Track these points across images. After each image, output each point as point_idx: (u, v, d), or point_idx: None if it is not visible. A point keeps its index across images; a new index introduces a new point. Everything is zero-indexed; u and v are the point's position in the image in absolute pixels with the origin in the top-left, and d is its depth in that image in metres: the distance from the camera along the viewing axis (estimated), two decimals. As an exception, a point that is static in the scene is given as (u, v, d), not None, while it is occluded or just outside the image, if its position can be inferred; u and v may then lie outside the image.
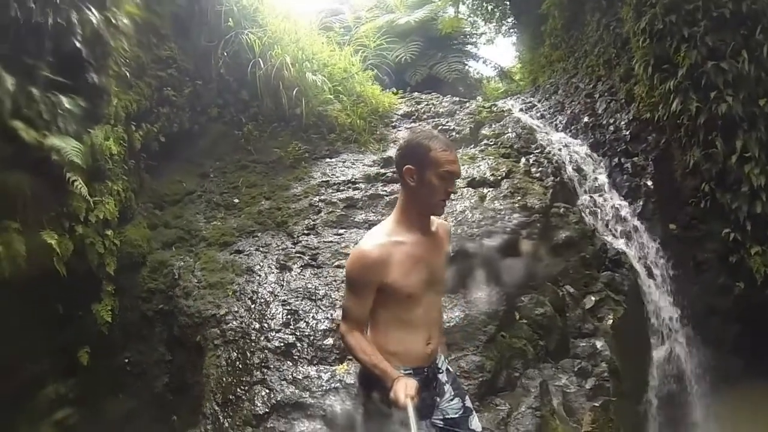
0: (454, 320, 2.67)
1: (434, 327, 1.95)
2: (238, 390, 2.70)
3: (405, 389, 1.62)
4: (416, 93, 5.72)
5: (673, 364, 4.16)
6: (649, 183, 4.55)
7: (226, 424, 2.57)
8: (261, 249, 3.73)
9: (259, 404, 2.56)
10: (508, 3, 8.62)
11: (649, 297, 4.03)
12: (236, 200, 4.31)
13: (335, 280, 3.17)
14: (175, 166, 4.45)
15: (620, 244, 4.12)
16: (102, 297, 3.42)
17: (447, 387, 1.96)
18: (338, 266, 3.30)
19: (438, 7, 8.35)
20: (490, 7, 8.86)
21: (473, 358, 2.49)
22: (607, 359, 2.96)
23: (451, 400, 1.94)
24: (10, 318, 2.86)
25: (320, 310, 2.99)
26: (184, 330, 3.38)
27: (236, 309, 3.20)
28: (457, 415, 1.93)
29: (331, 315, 2.95)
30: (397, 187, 4.02)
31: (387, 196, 3.85)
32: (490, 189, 3.89)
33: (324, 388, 2.57)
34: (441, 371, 1.96)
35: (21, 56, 2.67)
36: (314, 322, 2.92)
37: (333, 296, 3.08)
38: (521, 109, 5.60)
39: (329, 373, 2.64)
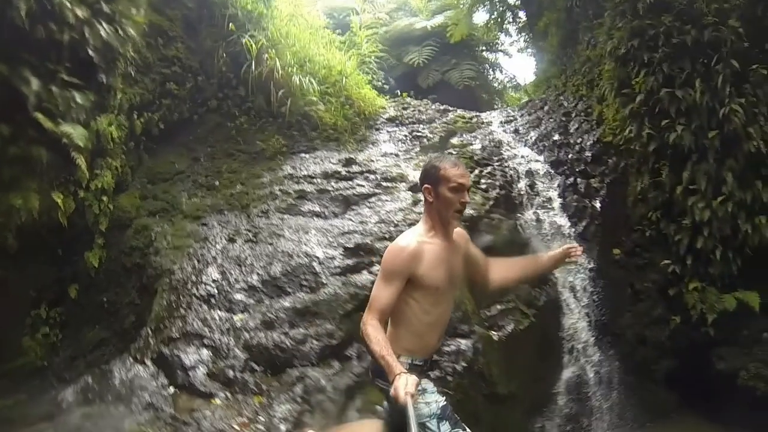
0: (325, 295, 3.81)
1: (445, 325, 2.56)
2: (166, 321, 4.07)
3: (405, 386, 1.98)
4: (410, 99, 6.87)
5: (583, 387, 4.95)
6: (597, 205, 5.29)
7: (151, 342, 3.96)
8: (221, 224, 5.11)
9: (174, 331, 3.93)
10: (523, 17, 9.41)
11: (567, 317, 4.87)
12: (217, 183, 5.74)
13: (261, 253, 4.48)
14: (171, 149, 5.98)
15: None
16: (93, 248, 4.90)
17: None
18: (270, 243, 4.63)
19: (460, 13, 9.18)
20: (504, 21, 9.70)
21: (327, 326, 3.60)
22: (469, 360, 3.76)
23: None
24: (22, 255, 4.50)
25: (241, 273, 4.31)
26: (150, 280, 4.81)
27: (185, 266, 4.59)
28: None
29: (249, 278, 4.28)
30: (345, 184, 5.31)
31: (333, 191, 5.05)
32: None
33: (221, 328, 3.90)
34: (433, 366, 2.77)
35: (45, 63, 4.23)
36: (233, 281, 4.26)
37: (255, 264, 4.37)
38: (501, 122, 6.50)
39: (229, 319, 3.97)
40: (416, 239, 2.38)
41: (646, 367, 5.39)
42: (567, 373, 4.89)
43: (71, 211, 4.70)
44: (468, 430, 2.42)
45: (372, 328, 2.25)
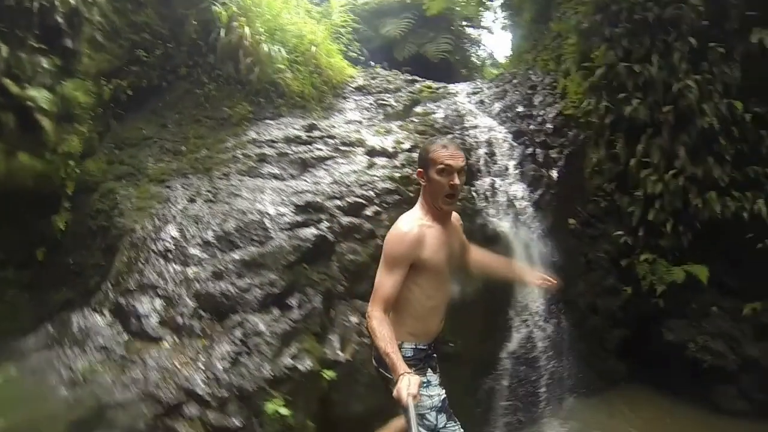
0: (271, 248, 4.21)
1: (446, 308, 2.71)
2: (125, 275, 4.53)
3: (408, 387, 2.06)
4: (380, 70, 7.26)
5: (532, 351, 5.37)
6: (554, 175, 5.67)
7: (110, 295, 4.44)
8: (184, 186, 5.51)
9: (131, 284, 4.38)
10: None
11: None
12: (183, 148, 6.15)
13: (218, 211, 4.91)
14: (140, 115, 6.37)
15: (504, 226, 5.35)
16: (60, 211, 5.30)
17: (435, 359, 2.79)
18: (227, 203, 5.09)
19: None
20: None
21: (271, 276, 3.98)
22: None
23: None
24: (-10, 218, 4.95)
25: (198, 230, 4.74)
26: (113, 240, 5.29)
27: (146, 225, 5.02)
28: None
29: (204, 234, 4.74)
30: (305, 147, 5.74)
31: (292, 155, 5.48)
32: (385, 159, 5.35)
33: (175, 280, 4.35)
34: (438, 349, 2.85)
35: (14, 30, 4.64)
36: (190, 237, 4.71)
37: (211, 221, 4.79)
38: (468, 93, 6.82)
39: (183, 272, 4.43)
40: (417, 223, 2.51)
41: (597, 335, 5.85)
42: (517, 336, 5.36)
43: (38, 174, 5.14)
44: (457, 422, 2.66)
45: (377, 322, 2.34)
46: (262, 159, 5.53)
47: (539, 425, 5.68)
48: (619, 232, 5.67)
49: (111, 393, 3.53)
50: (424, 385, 2.46)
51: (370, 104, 6.41)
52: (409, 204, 4.90)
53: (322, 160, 5.29)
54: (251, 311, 3.80)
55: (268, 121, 6.25)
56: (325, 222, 4.38)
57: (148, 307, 4.23)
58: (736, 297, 5.79)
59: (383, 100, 6.46)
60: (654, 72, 5.43)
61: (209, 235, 4.69)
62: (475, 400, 5.10)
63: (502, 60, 10.29)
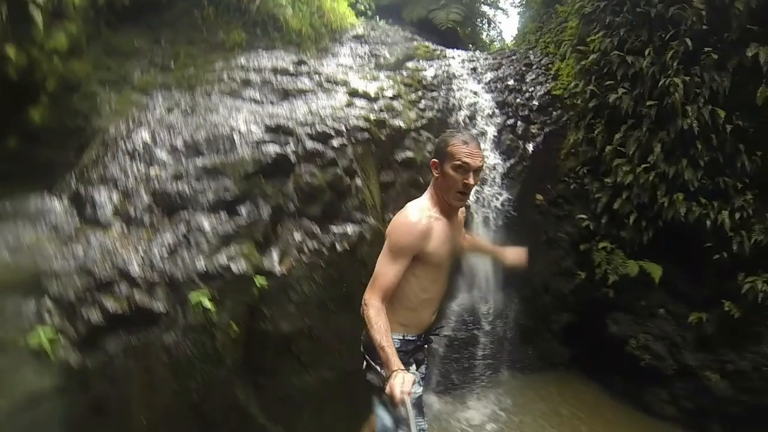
0: (233, 158, 4.24)
1: (440, 301, 2.69)
2: (90, 169, 4.62)
3: (401, 385, 2.04)
4: (382, 23, 7.34)
5: (478, 318, 5.54)
6: (530, 148, 5.85)
7: (72, 185, 4.54)
8: (166, 98, 5.63)
9: (95, 176, 4.46)
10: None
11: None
12: (172, 65, 6.25)
13: (192, 123, 4.97)
14: (134, 27, 6.37)
15: None
16: (38, 105, 5.44)
17: (427, 353, 2.79)
18: (202, 116, 5.16)
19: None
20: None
21: (227, 183, 4.01)
22: (352, 243, 4.19)
23: (425, 366, 2.80)
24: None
25: (169, 136, 4.80)
26: (88, 139, 5.40)
27: (120, 127, 5.13)
28: (419, 377, 2.74)
29: (174, 141, 4.84)
30: (289, 79, 5.81)
31: (276, 84, 5.52)
32: (365, 101, 5.36)
33: (137, 177, 4.44)
34: (431, 340, 2.77)
35: None
36: (160, 141, 4.78)
37: (183, 131, 4.87)
38: (463, 60, 6.87)
39: (147, 171, 4.52)
40: (426, 214, 2.46)
41: (545, 315, 6.00)
42: (462, 300, 5.50)
43: (22, 66, 5.16)
44: (425, 417, 2.73)
45: (374, 312, 2.31)
46: (246, 83, 5.61)
47: (470, 392, 5.87)
48: (583, 216, 5.76)
49: (50, 263, 3.62)
50: None
51: (365, 53, 6.48)
52: (378, 146, 5.11)
53: (303, 92, 5.37)
54: (200, 211, 3.89)
55: (260, 51, 6.32)
56: (291, 144, 4.48)
57: (105, 197, 4.31)
58: (685, 303, 5.92)
59: (378, 51, 6.53)
60: (645, 65, 5.49)
61: (178, 142, 4.77)
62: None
63: (509, 41, 10.37)
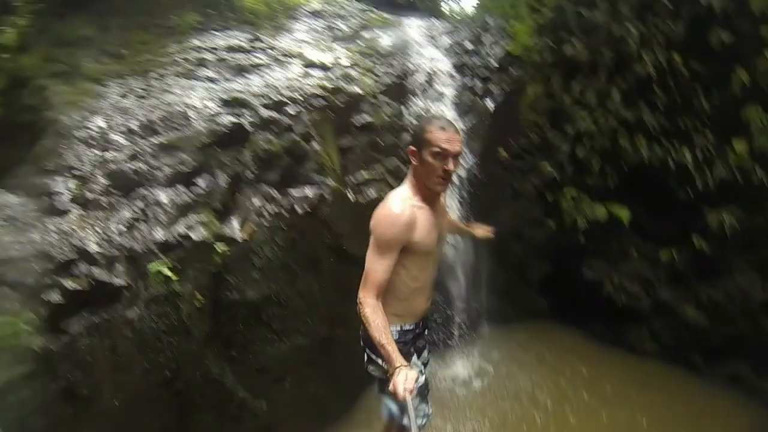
0: (189, 132, 4.23)
1: (432, 286, 2.68)
2: (45, 159, 4.47)
3: (404, 382, 2.02)
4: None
5: (447, 271, 5.48)
6: (490, 105, 5.87)
7: (27, 178, 4.48)
8: (120, 84, 5.51)
9: (50, 166, 4.38)
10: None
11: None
12: (124, 52, 6.14)
13: (147, 105, 4.91)
14: (83, 16, 6.23)
15: None
16: None
17: (427, 338, 2.82)
18: (157, 98, 5.10)
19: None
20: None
21: (183, 156, 4.00)
22: (313, 205, 4.19)
23: (424, 352, 2.81)
24: None
25: (123, 120, 4.70)
26: (41, 131, 5.30)
27: (73, 116, 5.06)
28: (422, 362, 2.80)
29: (129, 124, 4.76)
30: (244, 55, 5.73)
31: (231, 61, 5.50)
32: (321, 71, 5.30)
33: (93, 162, 4.33)
34: (430, 326, 2.86)
35: None
36: (114, 125, 4.60)
37: (138, 113, 4.80)
38: (420, 26, 6.79)
39: (102, 155, 4.45)
40: (408, 204, 2.43)
41: (519, 267, 6.04)
42: None
43: None
44: (429, 402, 2.72)
45: (370, 310, 2.29)
46: (201, 63, 5.53)
47: (453, 349, 5.90)
48: (549, 167, 5.78)
49: (6, 251, 3.56)
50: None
51: (321, 27, 6.42)
52: (335, 112, 5.06)
53: (258, 66, 5.31)
54: (158, 186, 3.85)
55: (214, 32, 6.24)
56: (246, 115, 4.43)
57: (62, 186, 4.24)
58: (655, 242, 5.98)
59: (334, 24, 6.46)
60: (599, 17, 5.51)
61: (133, 124, 4.70)
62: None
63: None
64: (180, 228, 3.55)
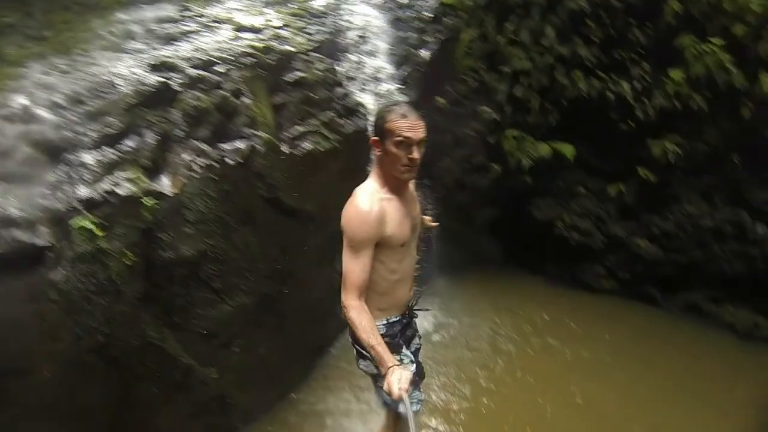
0: (115, 96, 4.13)
1: (413, 275, 2.65)
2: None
3: (398, 381, 2.02)
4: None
5: None
6: (425, 53, 5.82)
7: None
8: (42, 64, 5.36)
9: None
10: None
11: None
12: (48, 33, 5.96)
13: (72, 79, 4.73)
14: (7, 4, 6.13)
15: (366, 99, 5.39)
16: None
17: (415, 326, 2.82)
18: (81, 71, 4.95)
19: None
20: None
21: (109, 119, 3.89)
22: (245, 156, 4.17)
23: (416, 339, 2.84)
24: None
25: (48, 95, 4.50)
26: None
27: (-3, 96, 4.88)
28: (413, 349, 2.82)
29: (53, 98, 4.59)
30: (173, 24, 5.58)
31: (159, 31, 5.34)
32: (251, 34, 5.20)
33: (15, 136, 4.20)
34: (415, 314, 2.76)
35: None
36: (38, 101, 4.39)
37: (63, 87, 4.61)
38: None
39: (25, 128, 4.27)
40: (376, 198, 2.37)
41: (466, 214, 6.01)
42: None
43: None
44: (420, 389, 2.70)
45: (355, 312, 2.26)
46: (129, 36, 5.37)
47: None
48: (487, 109, 5.77)
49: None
50: (398, 360, 2.40)
51: (253, -5, 6.30)
52: (266, 70, 4.95)
53: (187, 34, 5.19)
54: (84, 150, 3.72)
55: (141, 5, 6.06)
56: (175, 77, 4.31)
57: (-20, 166, 4.07)
58: (602, 177, 6.04)
59: (265, -10, 6.34)
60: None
61: (58, 98, 4.51)
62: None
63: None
64: (105, 185, 3.43)
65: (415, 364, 2.69)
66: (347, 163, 5.09)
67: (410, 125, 2.33)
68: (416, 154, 2.36)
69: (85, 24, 5.80)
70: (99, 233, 3.21)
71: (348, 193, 5.11)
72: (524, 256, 6.44)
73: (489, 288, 6.15)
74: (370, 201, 2.36)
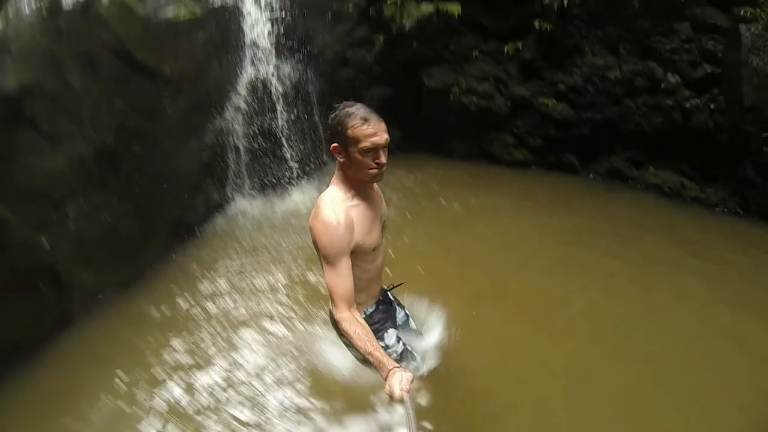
0: None
1: (382, 269, 2.62)
2: None
3: (400, 383, 1.96)
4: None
5: (267, 89, 5.29)
6: None
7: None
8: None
9: None
10: None
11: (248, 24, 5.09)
12: None
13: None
14: None
15: None
16: None
17: (393, 302, 2.82)
18: None
19: None
20: None
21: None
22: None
23: (399, 312, 2.83)
24: None
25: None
26: None
27: None
28: (401, 322, 2.82)
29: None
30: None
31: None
32: None
33: None
34: (384, 292, 2.74)
35: None
36: None
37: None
38: None
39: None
40: (343, 208, 2.27)
41: (354, 92, 5.62)
42: (247, 76, 5.20)
43: None
44: (408, 359, 2.63)
45: (348, 324, 2.22)
46: None
47: (288, 185, 5.64)
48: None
49: None
50: (384, 348, 2.42)
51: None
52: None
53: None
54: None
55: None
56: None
57: None
58: (497, 38, 5.67)
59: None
60: None
61: None
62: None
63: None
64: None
65: (401, 341, 2.68)
66: (214, 36, 4.86)
67: (375, 130, 2.17)
68: (383, 159, 2.22)
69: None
70: None
71: (218, 66, 4.89)
72: (425, 136, 6.03)
73: (396, 175, 5.64)
74: (335, 213, 2.23)
